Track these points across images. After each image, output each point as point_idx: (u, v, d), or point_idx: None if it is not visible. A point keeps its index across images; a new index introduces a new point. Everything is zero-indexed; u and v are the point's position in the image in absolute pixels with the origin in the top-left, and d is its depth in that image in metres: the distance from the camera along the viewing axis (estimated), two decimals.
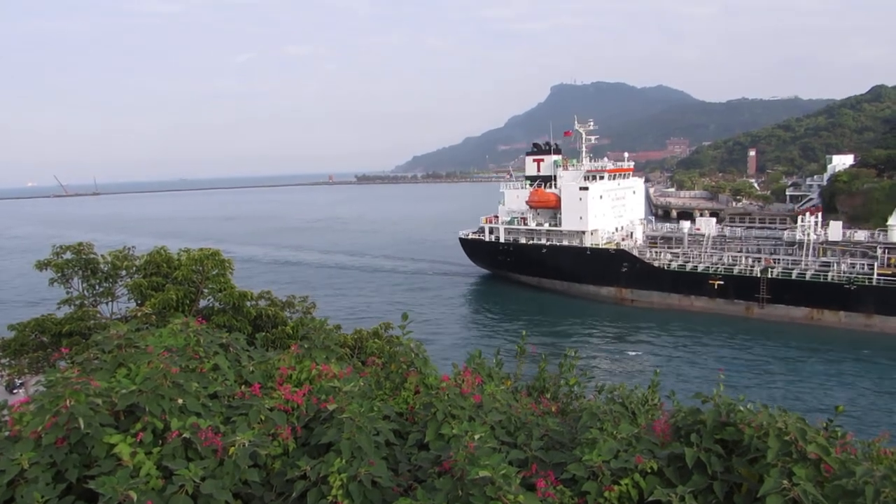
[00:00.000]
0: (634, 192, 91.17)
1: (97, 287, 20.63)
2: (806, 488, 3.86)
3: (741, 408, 4.71)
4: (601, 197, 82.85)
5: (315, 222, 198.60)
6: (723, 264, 70.74)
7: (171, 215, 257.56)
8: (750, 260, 69.93)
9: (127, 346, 5.76)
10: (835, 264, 64.21)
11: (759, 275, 66.28)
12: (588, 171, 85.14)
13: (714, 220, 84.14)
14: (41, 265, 19.96)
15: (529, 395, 8.39)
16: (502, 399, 6.14)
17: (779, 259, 68.93)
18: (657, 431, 5.19)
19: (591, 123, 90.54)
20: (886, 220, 67.84)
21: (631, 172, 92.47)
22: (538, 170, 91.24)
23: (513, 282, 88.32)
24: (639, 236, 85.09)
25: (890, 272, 60.38)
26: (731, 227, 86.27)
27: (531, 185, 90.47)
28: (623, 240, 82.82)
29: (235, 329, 17.82)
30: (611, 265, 76.62)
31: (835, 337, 59.71)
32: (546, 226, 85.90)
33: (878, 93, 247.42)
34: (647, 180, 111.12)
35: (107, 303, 20.64)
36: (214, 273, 20.13)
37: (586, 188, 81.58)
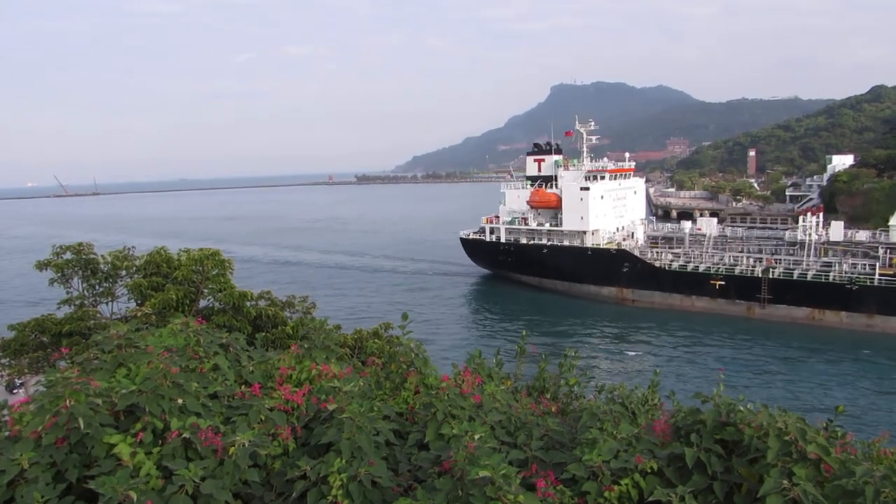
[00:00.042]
0: (635, 193, 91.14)
1: (97, 287, 20.62)
2: (806, 488, 3.86)
3: (741, 408, 4.71)
4: (602, 197, 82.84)
5: (315, 222, 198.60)
6: (724, 264, 70.71)
7: (171, 215, 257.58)
8: (751, 260, 69.89)
9: (127, 346, 5.76)
10: (836, 264, 64.18)
11: (760, 275, 66.26)
12: (589, 172, 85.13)
13: (715, 220, 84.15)
14: (41, 265, 19.96)
15: (529, 395, 8.39)
16: (502, 399, 6.14)
17: (780, 259, 68.92)
18: (657, 431, 5.19)
19: (592, 123, 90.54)
20: (886, 220, 67.89)
21: (632, 172, 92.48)
22: (539, 170, 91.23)
23: (513, 282, 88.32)
24: (640, 236, 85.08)
25: (891, 272, 60.36)
26: (733, 227, 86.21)
27: (532, 185, 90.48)
28: (624, 240, 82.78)
29: (235, 329, 17.82)
30: (612, 265, 76.61)
31: (836, 337, 59.68)
32: (547, 226, 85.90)
33: (878, 93, 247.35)
34: (647, 180, 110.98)
35: (107, 303, 20.64)
36: (214, 273, 20.12)
37: (587, 188, 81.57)
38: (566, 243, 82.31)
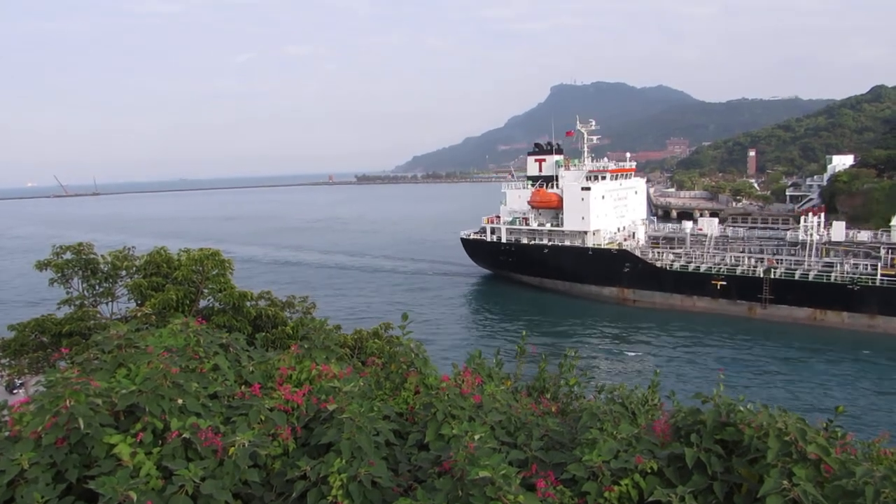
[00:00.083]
0: (636, 193, 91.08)
1: (97, 287, 20.63)
2: (806, 489, 3.86)
3: (741, 408, 4.71)
4: (603, 197, 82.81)
5: (315, 222, 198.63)
6: (725, 265, 70.66)
7: (171, 215, 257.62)
8: (753, 260, 69.85)
9: (127, 346, 5.76)
10: (838, 265, 64.11)
11: (761, 275, 66.24)
12: (590, 172, 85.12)
13: (716, 220, 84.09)
14: (41, 265, 19.96)
15: (529, 396, 8.39)
16: (502, 399, 6.14)
17: (782, 259, 68.90)
18: (657, 432, 5.19)
19: (593, 123, 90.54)
20: (886, 221, 67.85)
21: (633, 173, 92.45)
22: (540, 170, 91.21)
23: (514, 282, 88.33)
24: (641, 236, 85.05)
25: (893, 273, 60.30)
26: (734, 227, 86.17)
27: (533, 185, 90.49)
28: (625, 240, 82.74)
29: (235, 329, 17.83)
30: (613, 265, 76.60)
31: (837, 337, 59.64)
32: (548, 226, 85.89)
33: (878, 93, 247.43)
34: (647, 181, 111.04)
35: (107, 303, 20.64)
36: (214, 273, 20.13)
37: (588, 188, 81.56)
38: (567, 243, 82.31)
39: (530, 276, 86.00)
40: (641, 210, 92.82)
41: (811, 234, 68.10)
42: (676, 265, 73.11)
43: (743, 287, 67.25)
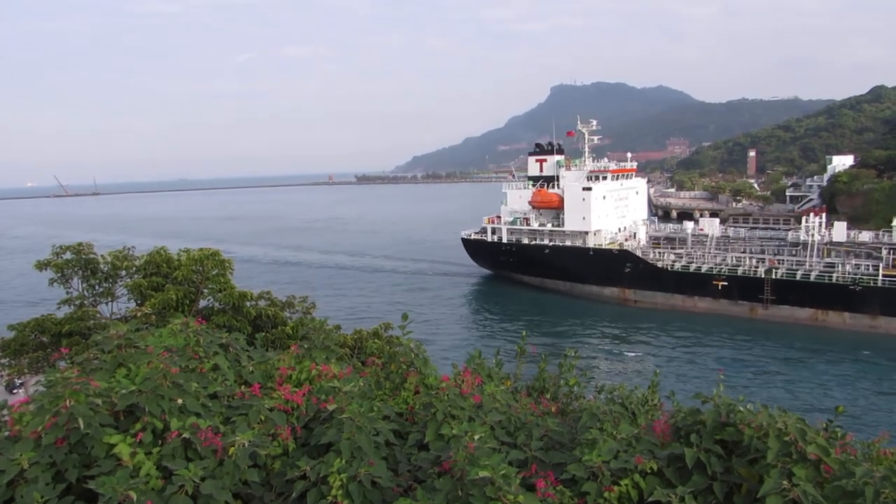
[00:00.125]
0: (637, 193, 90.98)
1: (97, 287, 20.62)
2: (806, 489, 3.86)
3: (741, 408, 4.71)
4: (604, 197, 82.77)
5: (315, 222, 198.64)
6: (726, 265, 70.62)
7: (171, 215, 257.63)
8: (754, 260, 69.83)
9: (127, 346, 5.76)
10: (839, 265, 64.05)
11: (763, 275, 66.20)
12: (591, 172, 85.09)
13: (717, 220, 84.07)
14: (41, 265, 19.96)
15: (529, 396, 8.39)
16: (502, 399, 6.14)
17: (783, 260, 68.85)
18: (657, 432, 5.19)
19: (594, 123, 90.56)
20: (886, 221, 67.81)
21: (634, 173, 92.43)
22: (541, 170, 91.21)
23: (515, 282, 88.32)
24: (642, 237, 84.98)
25: (895, 273, 60.29)
26: (735, 227, 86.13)
27: (534, 185, 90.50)
28: (626, 240, 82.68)
29: (235, 329, 17.82)
30: (614, 266, 76.58)
31: (839, 338, 59.58)
32: (549, 226, 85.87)
33: (878, 93, 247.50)
34: (647, 181, 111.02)
35: (107, 303, 20.64)
36: (214, 273, 20.12)
37: (589, 188, 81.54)
38: (568, 244, 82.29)
39: (531, 276, 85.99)
40: (642, 210, 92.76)
41: (813, 235, 68.04)
42: (677, 265, 73.07)
43: (744, 287, 67.21)
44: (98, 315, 19.70)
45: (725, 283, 68.14)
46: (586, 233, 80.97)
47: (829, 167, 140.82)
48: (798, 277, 64.81)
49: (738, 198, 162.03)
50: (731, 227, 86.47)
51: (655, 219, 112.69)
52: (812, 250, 67.45)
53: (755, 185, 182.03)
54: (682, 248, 77.78)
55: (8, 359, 19.43)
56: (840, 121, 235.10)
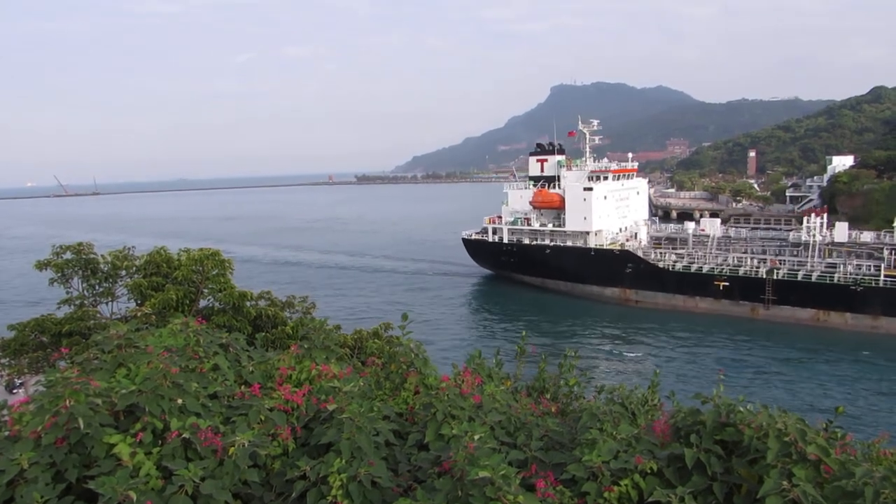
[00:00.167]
0: (638, 193, 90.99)
1: (97, 287, 20.62)
2: (805, 489, 3.86)
3: (741, 408, 4.71)
4: (605, 197, 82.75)
5: (315, 222, 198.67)
6: (728, 265, 70.60)
7: (171, 215, 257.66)
8: (755, 261, 69.80)
9: (127, 346, 5.76)
10: (841, 266, 64.05)
11: (764, 276, 66.17)
12: (592, 172, 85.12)
13: (718, 220, 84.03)
14: (41, 265, 19.96)
15: (529, 396, 8.39)
16: (502, 399, 6.14)
17: (784, 260, 68.81)
18: (657, 432, 5.19)
19: (595, 124, 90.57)
20: (887, 221, 67.76)
21: (635, 173, 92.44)
22: (542, 170, 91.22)
23: (516, 282, 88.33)
24: (643, 237, 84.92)
25: None
26: (736, 227, 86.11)
27: (535, 185, 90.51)
28: (627, 240, 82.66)
29: (235, 329, 17.82)
30: (615, 266, 76.56)
31: (840, 339, 59.55)
32: (550, 226, 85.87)
33: (878, 94, 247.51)
34: (647, 181, 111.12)
35: (107, 303, 20.64)
36: (214, 273, 20.13)
37: (590, 188, 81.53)
38: (569, 244, 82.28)
39: (532, 276, 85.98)
40: (643, 211, 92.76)
41: (814, 235, 67.99)
42: (679, 266, 73.07)
43: (745, 288, 67.18)
44: (98, 315, 19.70)
45: (727, 284, 68.11)
46: (587, 233, 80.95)
47: (829, 168, 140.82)
48: (799, 278, 64.79)
49: (738, 198, 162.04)
50: (732, 227, 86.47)
51: (656, 219, 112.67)
52: (813, 251, 67.41)
53: (755, 186, 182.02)
54: (683, 249, 77.72)
55: (8, 359, 19.43)
56: (840, 121, 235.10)
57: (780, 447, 4.21)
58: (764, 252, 72.70)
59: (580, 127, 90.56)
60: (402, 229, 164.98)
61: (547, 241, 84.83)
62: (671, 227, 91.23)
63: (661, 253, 76.83)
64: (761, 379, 49.96)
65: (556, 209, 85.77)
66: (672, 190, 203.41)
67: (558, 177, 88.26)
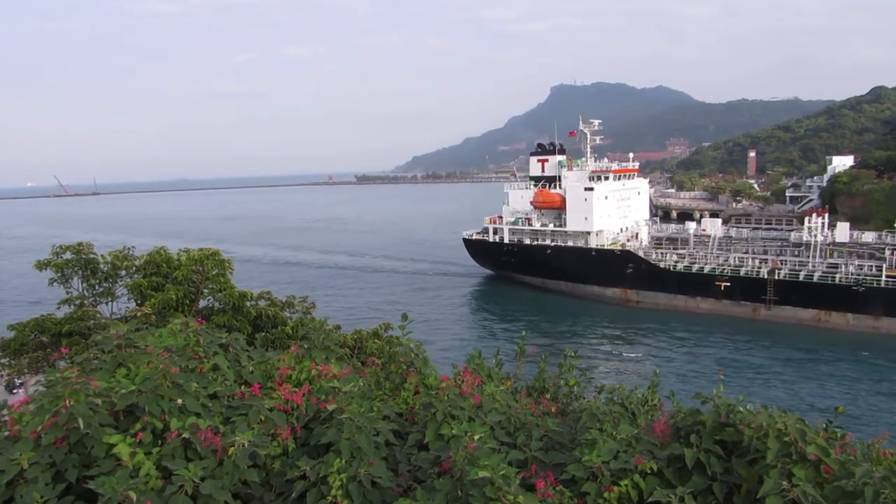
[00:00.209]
0: (639, 193, 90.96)
1: (97, 287, 20.63)
2: (805, 489, 3.86)
3: (741, 409, 4.71)
4: (606, 197, 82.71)
5: (315, 222, 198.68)
6: (729, 265, 70.54)
7: (171, 215, 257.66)
8: (756, 261, 69.75)
9: (127, 346, 5.76)
10: (842, 266, 64.00)
11: (765, 276, 66.12)
12: (593, 172, 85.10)
13: (719, 221, 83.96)
14: (41, 265, 19.96)
15: (529, 396, 8.39)
16: (502, 399, 6.14)
17: (786, 260, 68.75)
18: (657, 432, 5.19)
19: (597, 124, 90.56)
20: (887, 222, 67.74)
21: (636, 173, 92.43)
22: (543, 170, 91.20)
23: (517, 282, 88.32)
24: (644, 237, 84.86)
25: None
26: (738, 228, 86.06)
27: (535, 185, 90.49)
28: (628, 240, 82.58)
29: (235, 329, 17.82)
30: (616, 266, 76.53)
31: (841, 339, 59.51)
32: (551, 226, 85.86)
33: (878, 94, 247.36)
34: (648, 181, 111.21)
35: (107, 303, 20.64)
36: (214, 273, 20.13)
37: (591, 189, 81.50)
38: (570, 244, 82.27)
39: (533, 276, 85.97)
40: (644, 211, 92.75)
41: (815, 235, 67.95)
42: (680, 266, 73.01)
43: (747, 288, 67.14)
44: (98, 315, 19.70)
45: (728, 284, 68.06)
46: (588, 233, 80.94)
47: (829, 168, 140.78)
48: (801, 278, 64.75)
49: (738, 198, 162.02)
50: (733, 227, 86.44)
51: (657, 219, 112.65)
52: (815, 251, 67.37)
53: (755, 186, 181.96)
54: (684, 249, 77.66)
55: (8, 359, 19.43)
56: (840, 121, 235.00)
57: (779, 447, 4.21)
58: (765, 252, 72.63)
59: (581, 127, 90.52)
60: (402, 229, 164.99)
61: (548, 242, 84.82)
62: (672, 228, 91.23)
63: (662, 253, 76.78)
64: (761, 379, 49.95)
65: (557, 209, 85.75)
66: (672, 190, 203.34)
67: (559, 177, 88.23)
